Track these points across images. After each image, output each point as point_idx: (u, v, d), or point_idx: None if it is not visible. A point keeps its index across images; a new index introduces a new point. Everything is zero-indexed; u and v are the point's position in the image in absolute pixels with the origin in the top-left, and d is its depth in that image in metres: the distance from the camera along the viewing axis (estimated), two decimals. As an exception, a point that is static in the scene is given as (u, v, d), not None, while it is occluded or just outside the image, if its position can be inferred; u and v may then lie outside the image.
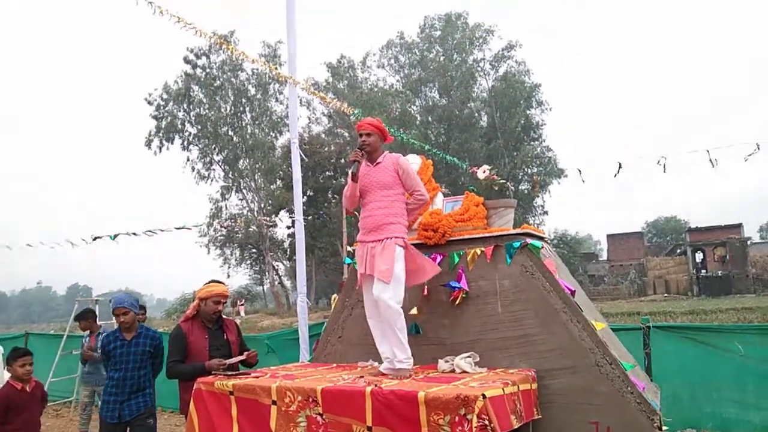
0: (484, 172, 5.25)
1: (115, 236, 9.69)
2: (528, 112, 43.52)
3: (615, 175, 6.57)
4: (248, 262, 47.97)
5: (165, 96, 39.18)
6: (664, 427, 3.52)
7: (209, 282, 4.56)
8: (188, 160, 40.50)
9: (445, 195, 4.90)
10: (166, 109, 39.38)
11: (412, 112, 43.28)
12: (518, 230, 4.12)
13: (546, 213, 46.27)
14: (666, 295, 39.94)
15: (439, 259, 4.22)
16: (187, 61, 39.08)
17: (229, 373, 3.99)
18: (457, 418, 2.85)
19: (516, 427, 3.11)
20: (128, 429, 4.50)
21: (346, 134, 41.24)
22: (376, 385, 3.17)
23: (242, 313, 34.81)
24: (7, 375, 4.69)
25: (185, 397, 4.06)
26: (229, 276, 44.24)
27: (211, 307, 4.42)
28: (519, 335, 3.84)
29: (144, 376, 4.62)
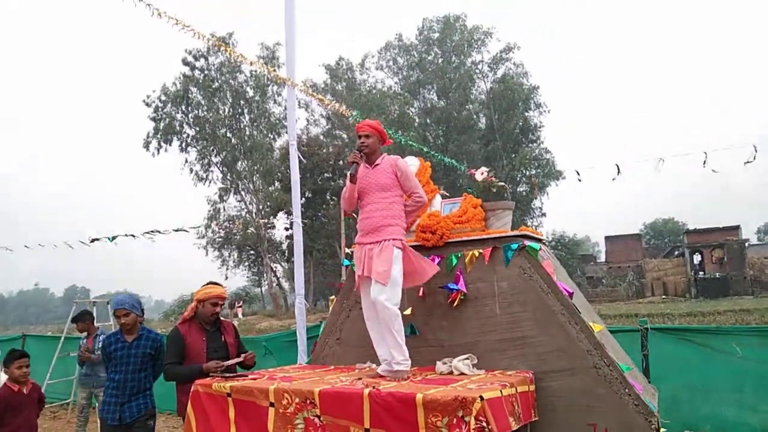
0: (482, 174, 5.25)
1: (114, 238, 9.68)
2: (526, 114, 43.64)
3: (613, 179, 6.60)
4: (246, 263, 47.99)
5: (163, 98, 39.23)
6: (661, 429, 3.53)
7: (207, 284, 4.56)
8: (186, 161, 40.58)
9: (443, 197, 4.90)
10: (165, 110, 39.43)
11: (411, 114, 43.31)
12: (516, 232, 4.12)
13: (544, 215, 46.42)
14: (664, 296, 40.01)
15: (437, 260, 4.22)
16: (185, 62, 39.13)
17: (227, 375, 3.99)
18: (455, 420, 2.84)
19: (514, 429, 3.11)
20: (129, 431, 4.50)
21: (345, 136, 41.27)
22: (374, 387, 3.17)
23: (240, 315, 34.75)
24: (4, 377, 4.68)
25: (183, 399, 4.05)
26: (227, 278, 44.31)
27: (208, 308, 4.41)
28: (517, 337, 3.85)
29: (145, 378, 4.61)
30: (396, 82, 46.68)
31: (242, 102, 40.21)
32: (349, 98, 38.33)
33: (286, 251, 41.94)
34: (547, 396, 3.65)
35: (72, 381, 8.84)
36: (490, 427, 2.80)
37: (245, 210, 42.26)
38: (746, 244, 44.21)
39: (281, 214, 40.29)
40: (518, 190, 42.83)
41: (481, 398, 2.83)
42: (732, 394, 5.68)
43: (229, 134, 39.95)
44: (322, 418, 3.21)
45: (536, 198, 43.69)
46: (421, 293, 4.23)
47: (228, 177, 41.02)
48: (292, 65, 6.48)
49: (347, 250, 4.60)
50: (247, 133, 40.40)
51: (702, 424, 5.69)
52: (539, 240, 4.30)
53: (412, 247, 4.11)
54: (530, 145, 43.67)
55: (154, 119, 39.37)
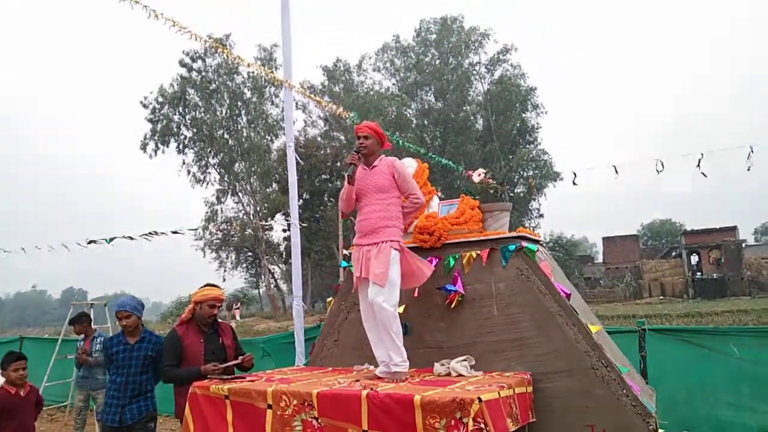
0: (480, 175, 5.27)
1: (111, 240, 9.66)
2: (523, 115, 43.68)
3: (615, 178, 6.60)
4: (244, 265, 47.94)
5: (161, 99, 39.18)
6: (659, 430, 3.53)
7: (204, 286, 4.56)
8: (184, 163, 40.51)
9: (440, 198, 4.91)
10: (162, 112, 39.38)
11: (408, 115, 43.34)
12: (514, 233, 4.13)
13: (542, 216, 46.43)
14: (661, 297, 40.06)
15: (434, 262, 4.22)
16: (182, 64, 39.11)
17: (225, 377, 3.98)
18: (452, 422, 2.84)
19: (512, 430, 3.11)
20: None
21: (342, 137, 41.28)
22: (372, 389, 3.17)
23: (238, 317, 34.71)
24: (1, 380, 4.66)
25: (180, 402, 4.04)
26: (224, 279, 44.27)
27: (206, 310, 4.41)
28: (515, 338, 3.85)
29: (146, 380, 4.61)
30: (393, 84, 46.71)
31: (239, 103, 40.18)
32: (346, 100, 38.35)
33: (284, 253, 41.91)
34: (545, 397, 3.65)
35: (69, 383, 8.82)
36: (488, 428, 2.80)
37: (243, 212, 42.26)
38: (743, 245, 44.35)
39: (279, 216, 40.25)
40: (516, 191, 42.87)
41: (479, 400, 2.83)
42: (729, 395, 5.68)
43: (226, 136, 39.91)
44: (320, 420, 3.21)
45: (534, 199, 43.75)
46: (416, 293, 4.23)
47: (225, 178, 40.99)
48: (289, 67, 6.49)
49: (345, 252, 4.60)
50: (245, 134, 40.36)
51: (700, 424, 5.70)
52: (537, 241, 4.30)
53: (410, 248, 4.11)
54: (527, 146, 43.69)
55: (151, 121, 39.32)
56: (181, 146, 39.98)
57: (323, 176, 40.34)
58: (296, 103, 36.36)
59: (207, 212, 41.40)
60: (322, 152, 40.31)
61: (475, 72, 45.22)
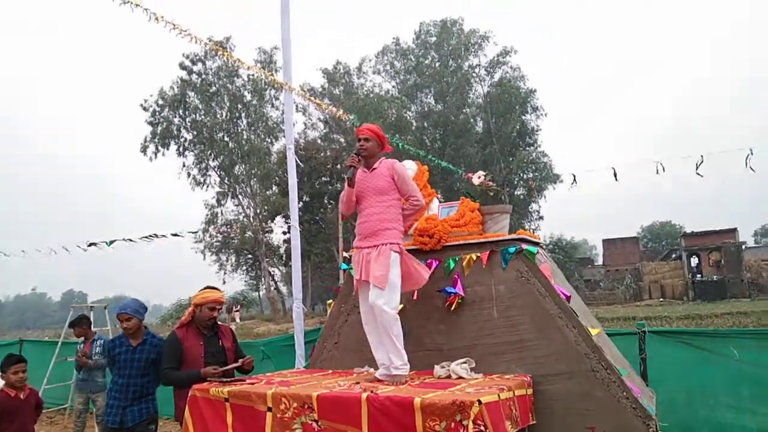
0: (480, 177, 5.27)
1: (111, 243, 9.68)
2: (523, 117, 43.66)
3: (616, 179, 6.60)
4: (244, 268, 47.86)
5: (161, 102, 39.13)
6: (659, 432, 3.53)
7: (204, 288, 4.56)
8: (184, 165, 40.47)
9: (440, 200, 4.91)
10: (162, 114, 39.33)
11: (408, 117, 43.34)
12: (514, 236, 4.13)
13: (542, 218, 46.39)
14: (661, 299, 40.00)
15: (434, 264, 4.23)
16: (182, 67, 39.08)
17: (225, 379, 3.98)
18: (453, 424, 2.84)
19: (512, 432, 3.11)
20: None
21: (342, 140, 41.27)
22: (371, 391, 3.17)
23: (237, 320, 34.65)
24: (0, 382, 4.66)
25: (180, 404, 4.04)
26: (224, 282, 44.15)
27: (206, 313, 4.41)
28: (515, 341, 3.85)
29: (147, 383, 4.62)
30: (393, 86, 46.72)
31: (240, 106, 40.14)
32: (346, 102, 38.33)
33: (284, 255, 41.87)
34: (545, 399, 3.65)
35: (69, 386, 8.80)
36: (488, 431, 2.80)
37: (243, 214, 42.17)
38: (743, 247, 44.28)
39: (279, 218, 40.26)
40: (515, 193, 42.87)
41: (480, 402, 2.83)
42: (729, 397, 5.68)
43: (226, 138, 39.87)
44: (320, 423, 3.21)
45: (534, 201, 43.73)
46: (415, 296, 4.23)
47: (225, 181, 40.93)
48: (289, 69, 6.50)
49: (345, 254, 4.60)
50: (245, 137, 40.32)
51: (700, 427, 5.69)
52: (537, 243, 4.30)
53: (410, 250, 4.11)
54: (527, 148, 43.68)
55: (151, 123, 39.31)
56: (181, 149, 39.94)
57: (323, 179, 40.32)
58: (296, 106, 36.44)
59: (207, 215, 41.34)
60: (322, 155, 40.29)
61: (474, 74, 45.23)
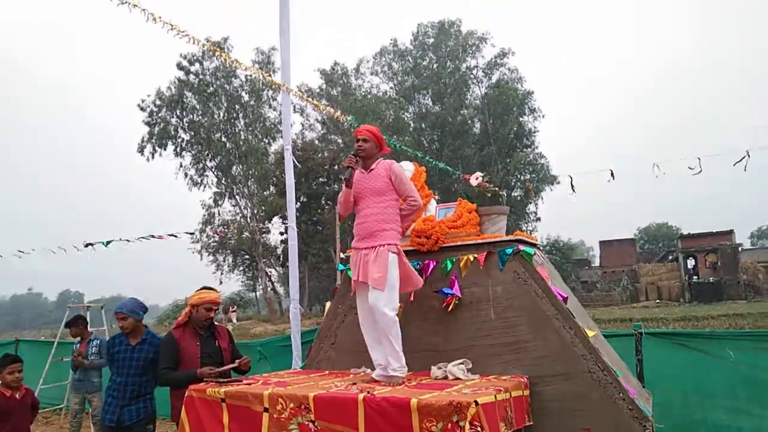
0: (477, 179, 5.27)
1: (108, 243, 9.66)
2: (521, 119, 43.70)
3: (609, 180, 6.62)
4: (241, 268, 47.79)
5: (158, 102, 39.10)
6: (656, 434, 3.53)
7: (201, 289, 4.56)
8: (181, 166, 40.42)
9: (438, 202, 4.92)
10: (159, 115, 39.29)
11: (406, 119, 43.35)
12: (511, 237, 4.14)
13: (539, 219, 46.39)
14: (658, 301, 40.06)
15: (432, 265, 4.23)
16: (180, 67, 39.04)
17: (221, 380, 3.98)
18: (449, 425, 2.84)
19: (508, 433, 3.12)
20: None
21: (340, 141, 41.27)
22: (368, 392, 3.17)
23: (234, 320, 34.59)
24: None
25: (177, 404, 4.04)
26: (221, 282, 44.09)
27: (202, 313, 4.40)
28: (511, 342, 3.85)
29: (146, 382, 4.62)
30: (391, 87, 46.72)
31: (237, 106, 40.13)
32: (344, 103, 38.34)
33: (281, 256, 41.78)
34: (542, 400, 3.66)
35: (65, 386, 8.79)
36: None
37: (240, 215, 42.14)
38: (739, 249, 44.36)
39: (276, 219, 40.22)
40: (513, 194, 42.89)
41: (476, 403, 2.83)
42: (726, 399, 5.69)
43: (224, 139, 39.85)
44: (316, 423, 3.21)
45: (531, 203, 43.77)
46: (412, 297, 4.23)
47: (223, 181, 40.91)
48: (287, 70, 6.49)
49: (342, 255, 4.60)
50: (242, 137, 40.31)
51: (696, 428, 5.70)
52: (534, 245, 4.31)
53: (407, 251, 4.11)
54: (525, 149, 43.73)
55: (148, 123, 39.26)
56: (178, 149, 39.91)
57: (321, 179, 40.27)
58: (294, 107, 36.38)
59: (204, 215, 41.32)
60: (319, 155, 40.25)
61: (472, 76, 45.26)
